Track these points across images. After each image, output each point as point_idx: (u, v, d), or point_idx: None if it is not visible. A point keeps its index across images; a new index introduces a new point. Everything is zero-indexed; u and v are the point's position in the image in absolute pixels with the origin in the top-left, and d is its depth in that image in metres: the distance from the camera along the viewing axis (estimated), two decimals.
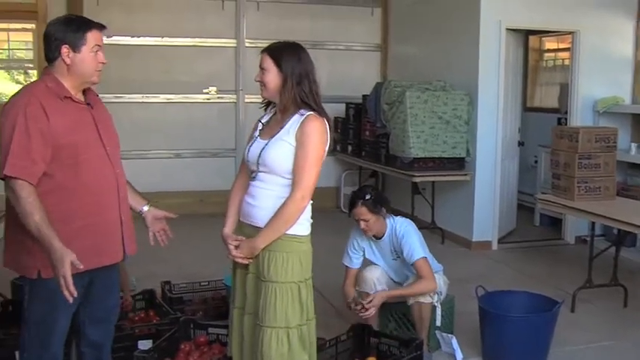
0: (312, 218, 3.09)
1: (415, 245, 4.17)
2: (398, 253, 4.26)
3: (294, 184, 2.93)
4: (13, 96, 2.84)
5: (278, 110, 3.06)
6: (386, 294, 4.21)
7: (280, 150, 2.94)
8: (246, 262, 3.03)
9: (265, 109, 3.20)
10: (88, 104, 2.95)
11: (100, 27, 2.90)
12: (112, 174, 2.95)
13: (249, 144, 3.10)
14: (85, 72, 2.86)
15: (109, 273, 3.05)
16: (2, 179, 2.73)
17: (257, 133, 3.12)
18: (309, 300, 3.05)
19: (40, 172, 2.73)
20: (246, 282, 3.07)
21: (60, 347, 3.00)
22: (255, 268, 3.02)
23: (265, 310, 2.94)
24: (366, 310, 4.09)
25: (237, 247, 3.03)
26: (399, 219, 4.32)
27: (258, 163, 2.99)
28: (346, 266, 4.41)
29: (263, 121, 3.16)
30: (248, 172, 3.11)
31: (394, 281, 4.38)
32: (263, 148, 2.98)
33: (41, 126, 2.71)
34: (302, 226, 3.01)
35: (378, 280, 4.30)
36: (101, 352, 3.20)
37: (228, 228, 3.14)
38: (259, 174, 3.01)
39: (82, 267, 2.63)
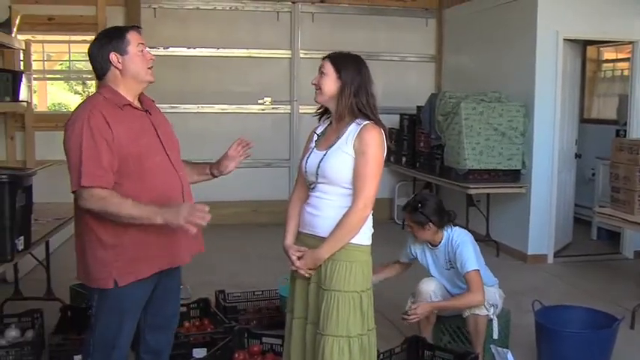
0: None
1: (469, 256, 4.12)
2: (452, 263, 4.23)
3: (355, 194, 2.93)
4: (74, 111, 2.89)
5: (334, 119, 3.07)
6: (431, 305, 4.19)
7: (339, 160, 2.94)
8: (308, 274, 3.04)
9: (319, 119, 3.21)
10: (146, 111, 3.00)
11: (136, 27, 2.98)
12: (177, 177, 2.99)
13: (306, 155, 3.10)
14: (137, 71, 2.91)
15: (171, 278, 3.08)
16: (73, 192, 2.78)
17: (313, 144, 3.12)
18: (369, 310, 3.04)
19: (112, 180, 2.78)
20: (308, 292, 3.07)
21: (124, 355, 3.03)
22: (317, 277, 3.03)
23: (326, 318, 2.94)
24: (408, 315, 4.09)
25: (299, 257, 3.04)
26: (457, 229, 4.29)
27: (317, 175, 3.00)
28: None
29: (318, 132, 3.16)
30: (306, 184, 3.12)
31: (451, 294, 4.33)
32: (321, 159, 2.99)
33: (106, 136, 2.76)
34: (364, 235, 3.01)
35: (434, 292, 4.26)
36: (160, 359, 3.24)
37: (289, 239, 3.15)
38: (319, 185, 3.02)
39: (207, 208, 2.70)
